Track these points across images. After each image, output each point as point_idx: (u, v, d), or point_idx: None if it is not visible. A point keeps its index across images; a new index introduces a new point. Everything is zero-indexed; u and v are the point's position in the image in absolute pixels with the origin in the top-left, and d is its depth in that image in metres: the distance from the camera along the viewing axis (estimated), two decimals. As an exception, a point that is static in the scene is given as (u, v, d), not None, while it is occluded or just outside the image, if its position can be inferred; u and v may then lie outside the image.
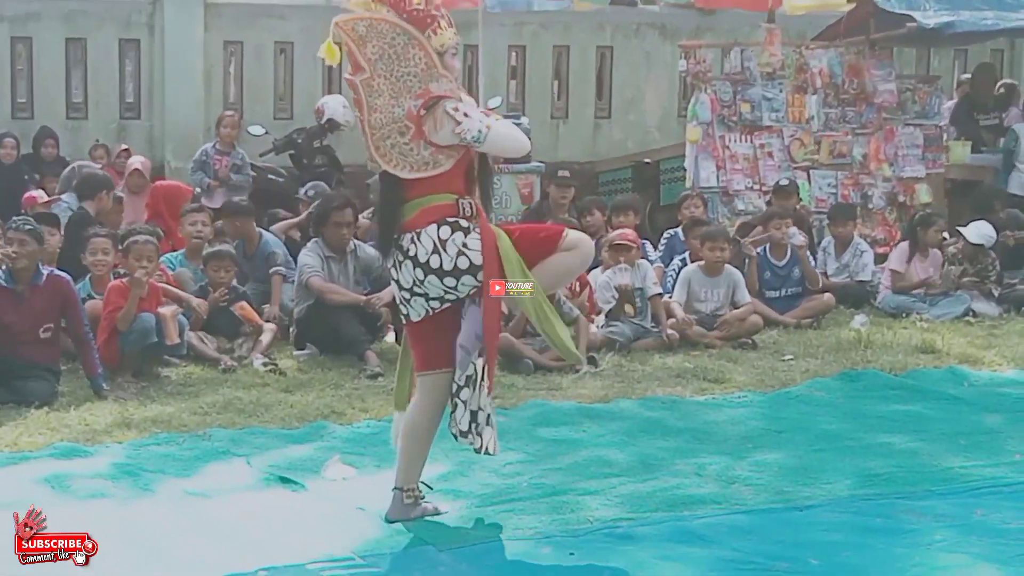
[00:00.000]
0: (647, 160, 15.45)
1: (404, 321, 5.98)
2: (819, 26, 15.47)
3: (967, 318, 11.41)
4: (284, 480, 6.53)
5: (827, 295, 11.44)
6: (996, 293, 11.93)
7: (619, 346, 9.85)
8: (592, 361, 9.30)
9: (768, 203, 12.94)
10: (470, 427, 5.92)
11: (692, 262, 10.84)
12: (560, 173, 13.16)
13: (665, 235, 12.30)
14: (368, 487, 6.42)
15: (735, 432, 7.59)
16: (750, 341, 10.20)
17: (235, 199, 10.82)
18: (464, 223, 5.69)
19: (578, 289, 10.18)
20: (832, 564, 5.42)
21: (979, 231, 12.04)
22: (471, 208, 5.73)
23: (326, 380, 8.79)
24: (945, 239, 12.36)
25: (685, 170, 13.71)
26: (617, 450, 7.16)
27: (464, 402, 5.88)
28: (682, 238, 11.80)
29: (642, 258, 10.69)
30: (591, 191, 14.80)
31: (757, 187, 13.62)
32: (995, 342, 10.49)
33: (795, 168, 13.73)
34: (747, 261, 11.19)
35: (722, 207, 13.44)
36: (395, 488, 5.98)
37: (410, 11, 5.69)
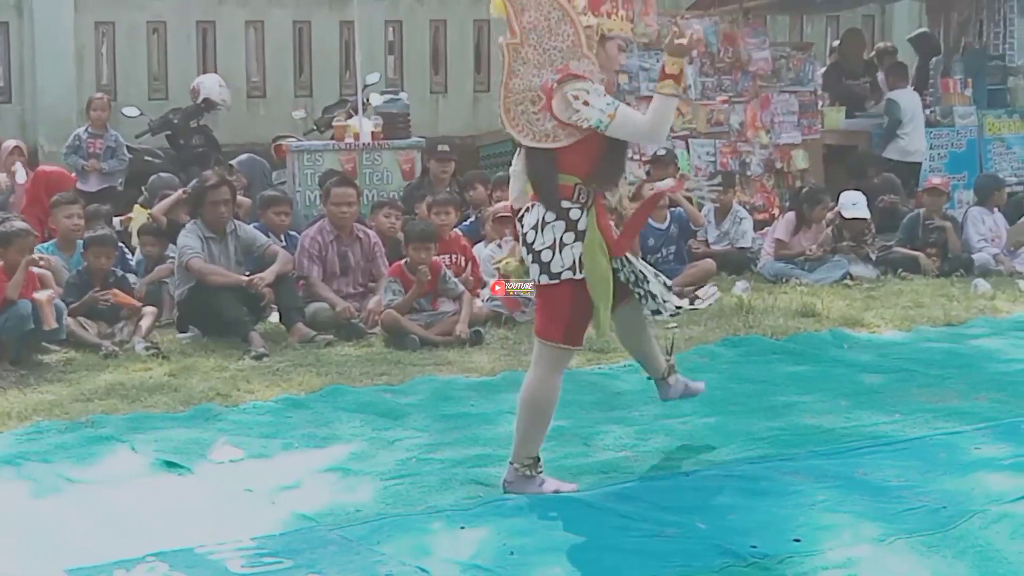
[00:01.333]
0: (528, 133, 15.44)
1: None
2: (695, -4, 15.61)
3: (845, 281, 11.61)
4: (170, 465, 6.45)
5: (708, 261, 11.61)
6: (873, 256, 12.14)
7: (505, 319, 9.87)
8: (477, 336, 9.30)
9: (647, 172, 13.02)
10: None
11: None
12: (440, 147, 13.16)
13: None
14: (256, 469, 6.38)
15: (622, 401, 7.65)
16: (634, 311, 10.24)
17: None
18: (575, 213, 5.74)
19: (463, 264, 10.18)
20: (719, 527, 5.48)
21: (853, 202, 12.18)
22: (587, 196, 5.79)
23: (210, 363, 8.69)
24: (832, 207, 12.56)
25: (566, 142, 13.71)
26: (507, 423, 7.15)
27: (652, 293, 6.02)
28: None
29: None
30: (473, 165, 14.79)
31: (637, 157, 13.68)
32: (873, 304, 10.69)
33: (673, 137, 13.80)
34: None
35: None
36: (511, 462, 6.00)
37: None
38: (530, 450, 5.94)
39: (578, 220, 5.77)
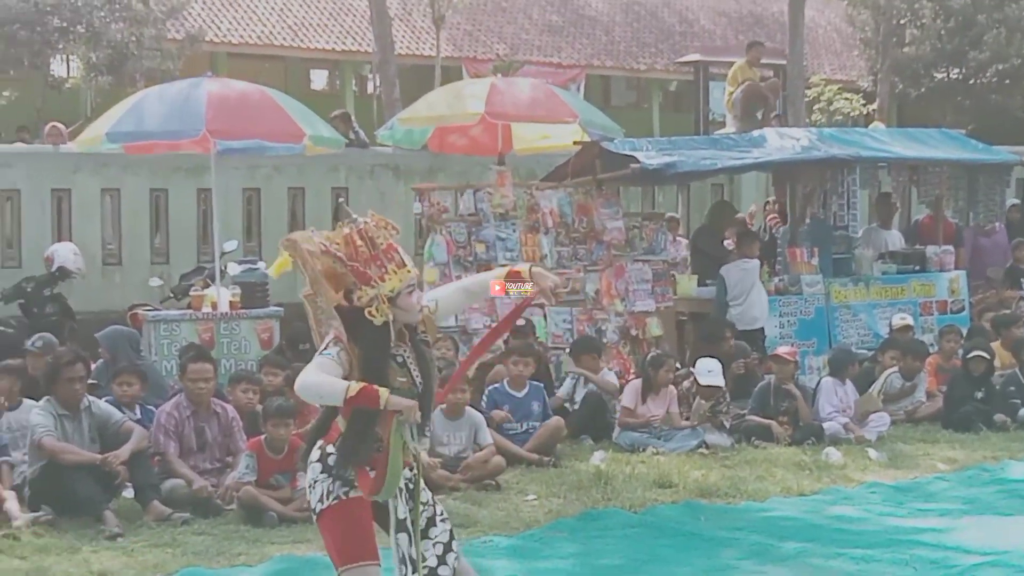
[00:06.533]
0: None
1: None
2: (548, 167, 15.90)
3: (701, 450, 11.75)
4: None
5: (556, 419, 11.61)
6: (727, 424, 12.33)
7: (363, 494, 9.80)
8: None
9: (506, 342, 13.11)
10: None
11: (434, 405, 10.88)
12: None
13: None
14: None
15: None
16: (494, 483, 10.29)
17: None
18: (331, 460, 5.64)
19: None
20: None
21: (709, 369, 12.39)
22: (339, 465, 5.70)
23: (63, 543, 8.50)
24: (678, 369, 12.76)
25: (423, 311, 13.80)
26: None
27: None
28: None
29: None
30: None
31: (495, 325, 13.79)
32: (728, 473, 10.82)
33: (531, 305, 13.92)
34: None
35: (462, 347, 13.57)
36: None
37: (353, 267, 5.62)
38: None
39: (332, 466, 5.66)
